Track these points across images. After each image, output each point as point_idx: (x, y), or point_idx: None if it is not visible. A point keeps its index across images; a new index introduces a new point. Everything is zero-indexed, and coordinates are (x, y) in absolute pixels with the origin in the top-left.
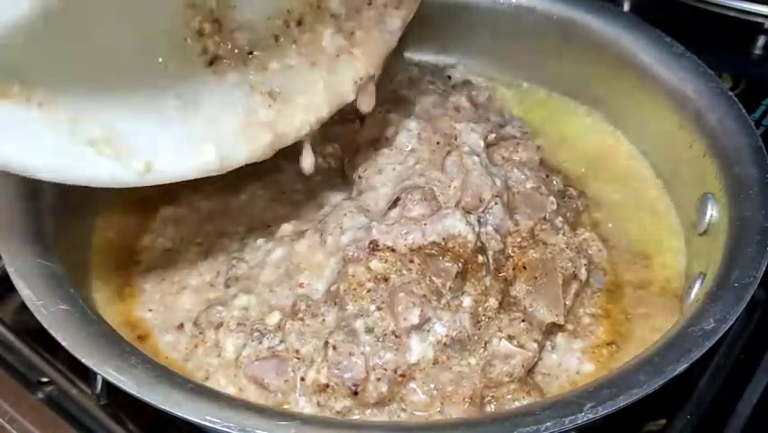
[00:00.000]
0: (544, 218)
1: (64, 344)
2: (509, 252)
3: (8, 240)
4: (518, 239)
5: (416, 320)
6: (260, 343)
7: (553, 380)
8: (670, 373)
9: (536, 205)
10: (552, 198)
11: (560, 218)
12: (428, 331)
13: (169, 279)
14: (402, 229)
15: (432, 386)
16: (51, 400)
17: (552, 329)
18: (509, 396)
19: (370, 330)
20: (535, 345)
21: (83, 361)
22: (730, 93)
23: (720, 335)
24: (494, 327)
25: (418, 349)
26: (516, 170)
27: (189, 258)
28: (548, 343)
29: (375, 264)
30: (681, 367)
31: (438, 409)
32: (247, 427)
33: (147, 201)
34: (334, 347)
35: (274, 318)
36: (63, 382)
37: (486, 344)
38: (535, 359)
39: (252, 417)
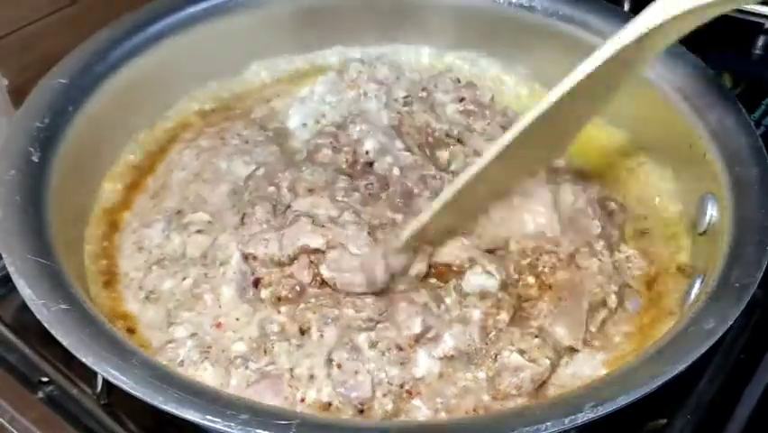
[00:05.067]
0: (588, 243)
1: (65, 343)
2: (541, 269)
3: (9, 240)
4: (554, 260)
5: (418, 329)
6: (246, 368)
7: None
8: (670, 372)
9: (581, 229)
10: (597, 222)
11: (602, 242)
12: (435, 343)
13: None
14: None
15: (437, 400)
16: (52, 400)
17: (571, 349)
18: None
19: (374, 345)
20: (548, 362)
21: (83, 360)
22: (730, 93)
23: (720, 334)
24: (505, 340)
25: (426, 364)
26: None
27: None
28: (566, 358)
29: None
30: (681, 367)
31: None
32: (248, 426)
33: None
34: (339, 366)
35: (240, 347)
36: (64, 382)
37: (496, 356)
38: (546, 375)
39: (252, 416)
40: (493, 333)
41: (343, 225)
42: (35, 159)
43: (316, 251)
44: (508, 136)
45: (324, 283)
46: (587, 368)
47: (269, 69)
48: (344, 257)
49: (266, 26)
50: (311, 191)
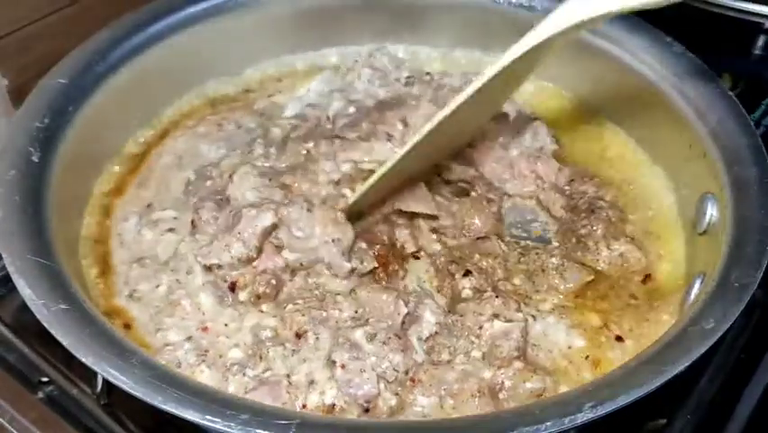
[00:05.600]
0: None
1: (65, 343)
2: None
3: (9, 240)
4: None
5: (405, 309)
6: (244, 375)
7: (546, 353)
8: (670, 372)
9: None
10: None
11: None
12: (419, 323)
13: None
14: None
15: (441, 387)
16: (52, 400)
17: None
18: (517, 376)
19: (372, 337)
20: (520, 315)
21: (83, 360)
22: (730, 93)
23: (720, 334)
24: (470, 312)
25: (420, 347)
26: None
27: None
28: (536, 317)
29: None
30: (681, 367)
31: (452, 405)
32: (248, 426)
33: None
34: (343, 366)
35: (236, 354)
36: (63, 382)
37: (480, 329)
38: (524, 324)
39: (252, 416)
40: (460, 304)
41: (273, 194)
42: (35, 159)
43: (275, 227)
44: (438, 117)
45: (294, 270)
46: (555, 331)
47: (268, 70)
48: (294, 237)
49: (266, 26)
50: (231, 176)
